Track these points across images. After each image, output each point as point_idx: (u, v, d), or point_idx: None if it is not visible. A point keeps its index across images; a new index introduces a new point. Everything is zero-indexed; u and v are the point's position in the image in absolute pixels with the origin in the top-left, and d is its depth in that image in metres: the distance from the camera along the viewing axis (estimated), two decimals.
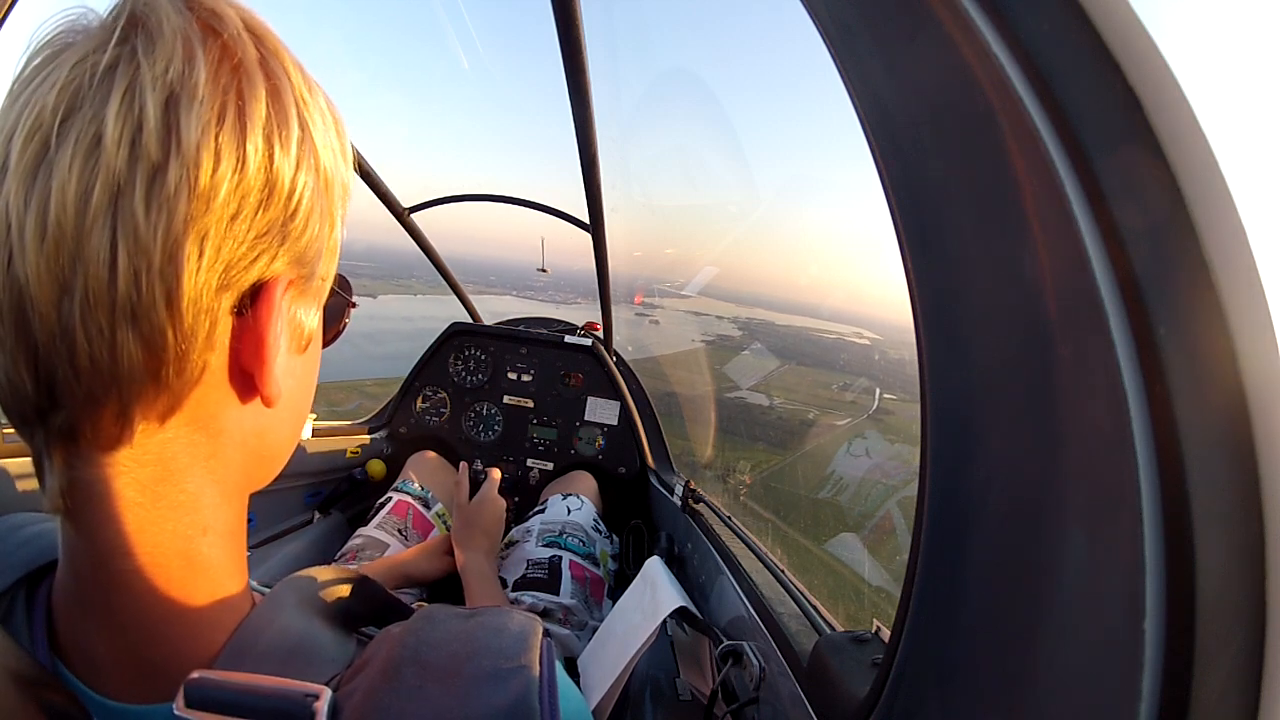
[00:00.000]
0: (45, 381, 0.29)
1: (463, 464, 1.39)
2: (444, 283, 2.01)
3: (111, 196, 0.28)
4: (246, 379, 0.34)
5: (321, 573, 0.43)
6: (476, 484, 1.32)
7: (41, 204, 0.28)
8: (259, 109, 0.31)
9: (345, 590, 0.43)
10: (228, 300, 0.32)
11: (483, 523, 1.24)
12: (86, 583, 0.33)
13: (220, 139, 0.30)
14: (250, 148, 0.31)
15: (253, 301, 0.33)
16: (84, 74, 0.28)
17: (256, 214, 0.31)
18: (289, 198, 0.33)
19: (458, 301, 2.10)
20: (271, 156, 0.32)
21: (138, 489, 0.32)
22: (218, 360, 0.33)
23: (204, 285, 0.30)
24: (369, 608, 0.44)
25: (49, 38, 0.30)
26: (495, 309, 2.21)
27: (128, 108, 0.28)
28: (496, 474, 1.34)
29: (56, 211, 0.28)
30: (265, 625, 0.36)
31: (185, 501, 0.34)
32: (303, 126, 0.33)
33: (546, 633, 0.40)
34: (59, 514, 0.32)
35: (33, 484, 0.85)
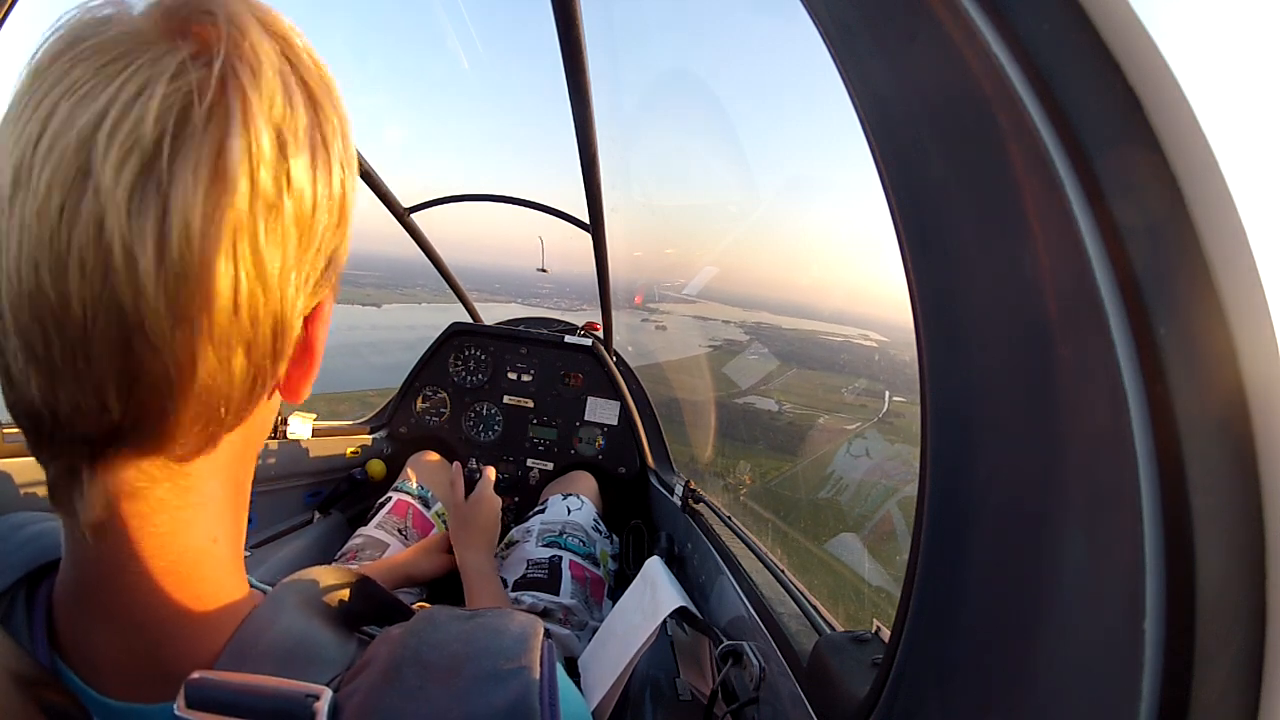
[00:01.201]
0: (139, 405, 0.29)
1: (455, 464, 1.39)
2: (449, 291, 2.01)
3: (234, 230, 0.28)
4: (289, 383, 0.36)
5: (322, 573, 0.43)
6: (471, 483, 1.32)
7: (158, 232, 0.27)
8: (337, 145, 0.33)
9: (345, 590, 0.43)
10: (301, 321, 0.34)
11: (480, 521, 1.24)
12: (101, 583, 0.33)
13: (318, 177, 0.31)
14: (336, 183, 0.32)
15: (310, 316, 0.36)
16: (187, 97, 0.27)
17: (329, 242, 0.33)
18: (347, 224, 0.35)
19: (460, 310, 2.10)
20: (345, 191, 0.33)
21: (180, 493, 0.33)
22: (282, 370, 0.34)
23: (299, 312, 0.33)
24: (369, 607, 0.44)
25: (86, 20, 0.29)
26: (500, 316, 2.20)
27: (247, 143, 0.28)
28: (491, 472, 1.34)
29: (180, 244, 0.27)
30: (266, 626, 0.36)
31: (207, 502, 0.35)
32: (351, 155, 0.35)
33: (547, 633, 0.40)
34: (92, 524, 0.31)
35: (33, 484, 0.85)
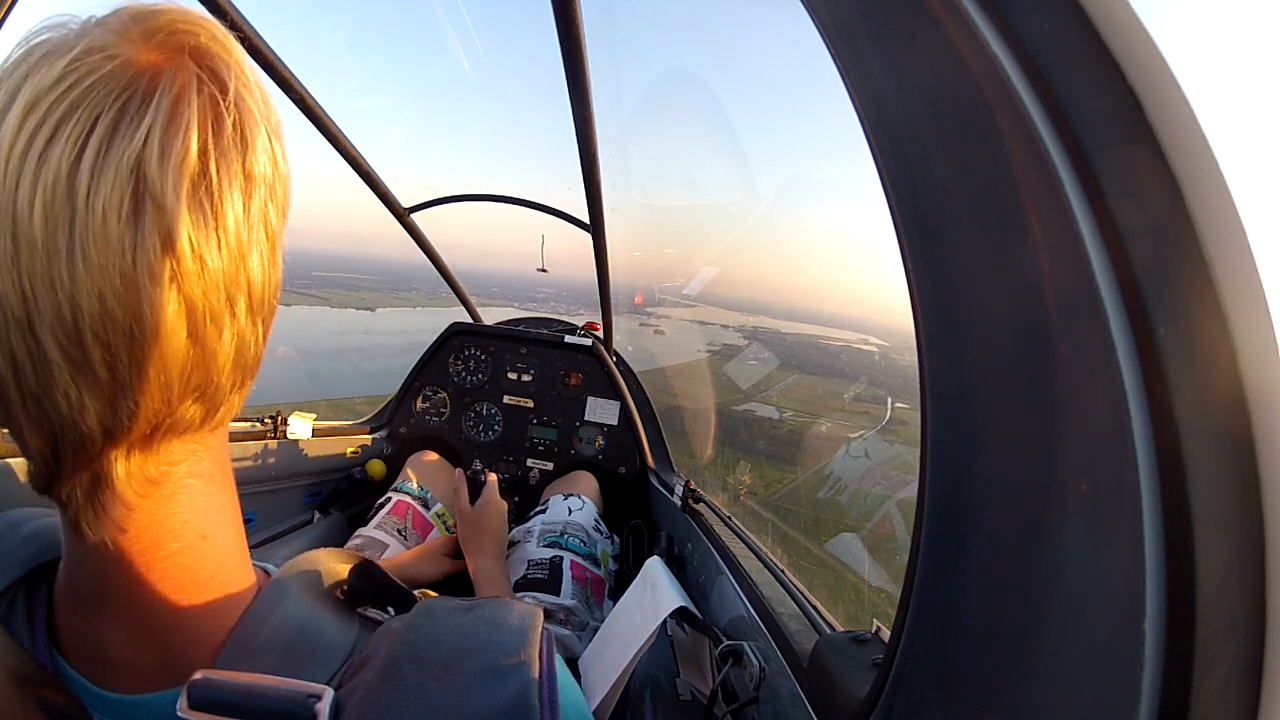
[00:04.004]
0: (194, 395, 0.32)
1: (459, 471, 1.39)
2: (444, 295, 2.01)
3: (265, 222, 0.33)
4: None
5: (324, 556, 0.43)
6: (474, 486, 1.32)
7: (218, 233, 0.30)
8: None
9: (347, 573, 0.43)
10: None
11: (489, 526, 1.24)
12: (108, 578, 0.33)
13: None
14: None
15: None
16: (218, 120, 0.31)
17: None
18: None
19: (455, 313, 2.10)
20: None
21: (179, 486, 0.34)
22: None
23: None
24: (370, 588, 0.44)
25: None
26: (498, 320, 2.20)
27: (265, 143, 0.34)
28: (494, 477, 1.34)
29: (229, 241, 0.31)
30: (268, 614, 0.37)
31: (200, 492, 0.35)
32: None
33: (548, 614, 0.40)
34: (114, 526, 0.32)
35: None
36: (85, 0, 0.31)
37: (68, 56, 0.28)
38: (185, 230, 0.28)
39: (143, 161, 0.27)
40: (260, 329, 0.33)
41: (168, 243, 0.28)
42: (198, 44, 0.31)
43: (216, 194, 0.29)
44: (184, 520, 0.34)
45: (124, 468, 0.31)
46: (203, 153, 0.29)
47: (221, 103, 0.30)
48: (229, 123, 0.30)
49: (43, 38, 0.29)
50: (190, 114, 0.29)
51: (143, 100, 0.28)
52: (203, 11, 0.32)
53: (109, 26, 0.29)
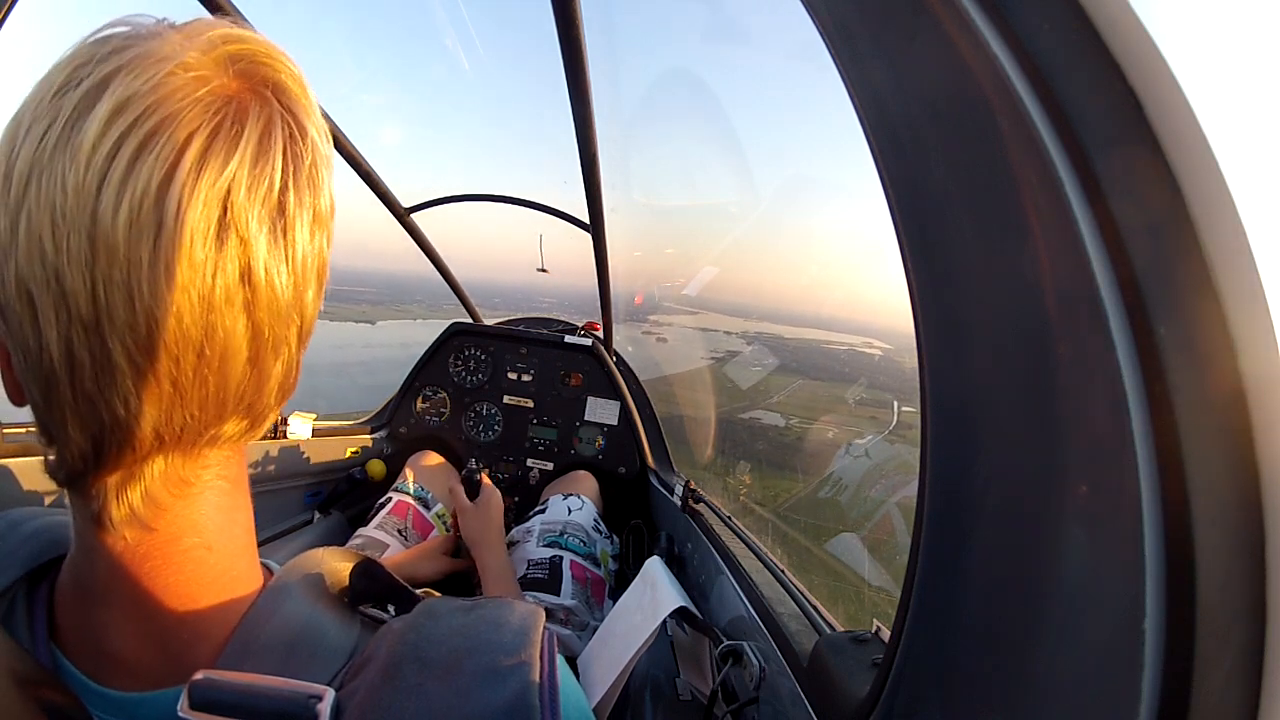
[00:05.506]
0: (246, 407, 0.33)
1: (454, 475, 1.40)
2: (445, 307, 2.01)
3: (320, 256, 0.34)
4: None
5: (326, 556, 0.43)
6: (470, 483, 1.32)
7: (289, 266, 0.31)
8: None
9: (348, 572, 0.43)
10: None
11: (496, 521, 1.25)
12: (118, 575, 0.33)
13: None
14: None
15: None
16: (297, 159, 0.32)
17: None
18: None
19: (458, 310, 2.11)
20: None
21: (201, 486, 0.34)
22: None
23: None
24: (372, 587, 0.44)
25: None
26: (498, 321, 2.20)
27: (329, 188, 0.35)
28: (485, 475, 1.35)
29: (297, 274, 0.32)
30: (269, 614, 0.37)
31: (221, 493, 0.35)
32: None
33: (548, 615, 0.40)
34: (139, 522, 0.32)
35: (31, 482, 0.85)
36: None
37: (159, 67, 0.28)
38: (263, 261, 0.30)
39: (232, 189, 0.28)
40: (301, 354, 0.35)
41: (246, 272, 0.29)
42: (278, 81, 0.32)
43: (291, 230, 0.31)
44: (207, 517, 0.35)
45: (162, 468, 0.32)
46: (283, 189, 0.30)
47: (301, 143, 0.31)
48: (306, 164, 0.32)
49: (130, 36, 0.29)
50: (276, 150, 0.30)
51: (232, 128, 0.29)
52: (243, 28, 0.32)
53: (194, 43, 0.29)
